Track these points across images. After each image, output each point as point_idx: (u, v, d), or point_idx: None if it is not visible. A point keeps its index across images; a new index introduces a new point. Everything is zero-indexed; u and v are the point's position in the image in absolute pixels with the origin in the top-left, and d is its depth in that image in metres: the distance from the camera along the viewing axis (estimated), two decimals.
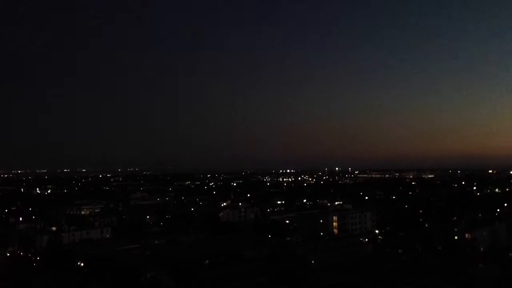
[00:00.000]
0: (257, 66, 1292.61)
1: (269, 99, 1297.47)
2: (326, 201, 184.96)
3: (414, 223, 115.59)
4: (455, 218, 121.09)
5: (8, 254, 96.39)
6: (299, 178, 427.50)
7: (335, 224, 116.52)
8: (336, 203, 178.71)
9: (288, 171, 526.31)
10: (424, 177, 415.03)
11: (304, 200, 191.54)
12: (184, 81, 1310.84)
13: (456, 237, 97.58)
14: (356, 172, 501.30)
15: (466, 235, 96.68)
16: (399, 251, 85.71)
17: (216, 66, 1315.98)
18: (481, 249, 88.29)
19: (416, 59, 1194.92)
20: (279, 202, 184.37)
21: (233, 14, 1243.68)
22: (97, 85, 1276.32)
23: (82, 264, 78.55)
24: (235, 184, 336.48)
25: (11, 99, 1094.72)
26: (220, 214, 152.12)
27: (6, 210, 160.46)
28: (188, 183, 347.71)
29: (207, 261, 74.76)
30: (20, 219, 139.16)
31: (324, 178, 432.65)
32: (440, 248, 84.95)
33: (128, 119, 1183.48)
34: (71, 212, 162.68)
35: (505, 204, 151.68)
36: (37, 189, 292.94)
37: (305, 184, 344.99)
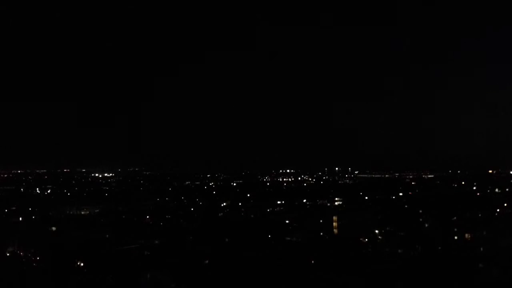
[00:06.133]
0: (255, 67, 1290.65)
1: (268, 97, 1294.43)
2: (326, 201, 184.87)
3: (414, 223, 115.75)
4: (455, 218, 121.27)
5: (7, 254, 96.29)
6: (299, 178, 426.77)
7: (335, 224, 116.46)
8: (336, 203, 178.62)
9: (288, 171, 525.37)
10: (424, 177, 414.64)
11: (304, 200, 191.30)
12: (184, 80, 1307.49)
13: (456, 237, 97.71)
14: (356, 172, 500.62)
15: (466, 235, 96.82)
16: (399, 251, 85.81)
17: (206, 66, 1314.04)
18: (481, 249, 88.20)
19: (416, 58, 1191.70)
20: (279, 202, 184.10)
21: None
22: (101, 84, 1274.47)
23: (82, 264, 78.57)
24: (235, 184, 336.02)
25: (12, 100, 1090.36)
26: (220, 214, 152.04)
27: (6, 210, 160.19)
28: (188, 183, 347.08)
29: (206, 261, 74.86)
30: (20, 219, 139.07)
31: (324, 178, 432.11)
32: (440, 248, 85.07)
33: (127, 118, 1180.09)
34: (71, 212, 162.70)
35: (505, 204, 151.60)
36: (37, 189, 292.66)
37: (305, 184, 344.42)
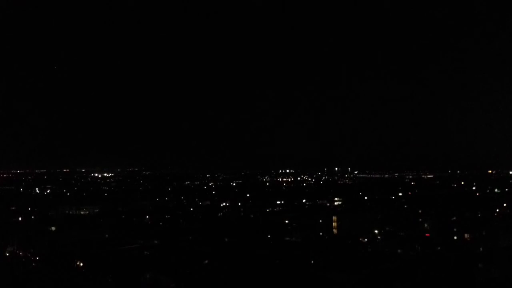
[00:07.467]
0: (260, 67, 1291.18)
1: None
2: (325, 201, 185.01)
3: (413, 223, 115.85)
4: (454, 218, 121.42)
5: (7, 254, 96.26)
6: (299, 178, 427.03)
7: (334, 224, 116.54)
8: (335, 203, 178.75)
9: (287, 171, 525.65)
10: (424, 177, 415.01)
11: (304, 200, 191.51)
12: (185, 81, 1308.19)
13: (455, 237, 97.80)
14: (356, 172, 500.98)
15: (466, 235, 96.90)
16: (399, 251, 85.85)
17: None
18: (481, 249, 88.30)
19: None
20: (278, 202, 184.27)
21: None
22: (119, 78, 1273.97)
23: (81, 264, 78.57)
24: (234, 184, 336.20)
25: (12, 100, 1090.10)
26: (219, 214, 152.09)
27: (6, 210, 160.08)
28: (188, 183, 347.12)
29: (206, 261, 74.88)
30: (20, 219, 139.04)
31: (323, 178, 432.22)
32: (439, 248, 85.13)
33: (128, 118, 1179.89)
34: (70, 212, 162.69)
35: (505, 204, 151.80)
36: (37, 189, 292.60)
37: (304, 184, 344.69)
